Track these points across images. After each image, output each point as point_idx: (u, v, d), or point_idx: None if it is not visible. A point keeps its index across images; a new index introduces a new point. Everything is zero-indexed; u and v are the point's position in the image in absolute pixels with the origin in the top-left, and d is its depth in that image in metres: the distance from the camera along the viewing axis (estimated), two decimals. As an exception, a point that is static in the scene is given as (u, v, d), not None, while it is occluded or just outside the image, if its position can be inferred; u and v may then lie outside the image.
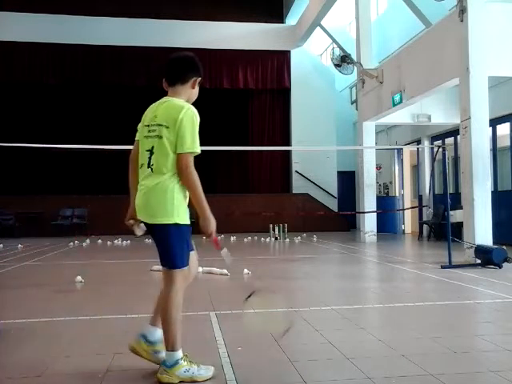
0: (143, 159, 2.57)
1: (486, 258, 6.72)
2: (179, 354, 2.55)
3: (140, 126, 2.70)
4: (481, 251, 6.88)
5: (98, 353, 3.00)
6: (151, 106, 2.69)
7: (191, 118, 2.48)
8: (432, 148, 12.09)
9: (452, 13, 8.13)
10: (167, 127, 2.47)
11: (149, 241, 12.26)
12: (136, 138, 2.71)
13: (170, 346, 2.54)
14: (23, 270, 7.14)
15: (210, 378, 2.55)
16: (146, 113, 2.69)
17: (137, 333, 2.74)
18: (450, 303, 4.51)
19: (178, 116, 2.46)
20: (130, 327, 3.64)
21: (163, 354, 2.63)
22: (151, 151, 2.51)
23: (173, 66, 2.68)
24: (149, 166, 2.53)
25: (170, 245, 2.54)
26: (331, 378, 2.55)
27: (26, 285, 5.75)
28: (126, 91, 16.58)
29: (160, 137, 2.48)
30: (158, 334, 2.70)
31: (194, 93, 2.72)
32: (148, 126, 2.58)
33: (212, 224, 2.52)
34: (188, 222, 2.58)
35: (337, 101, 17.48)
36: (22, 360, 2.90)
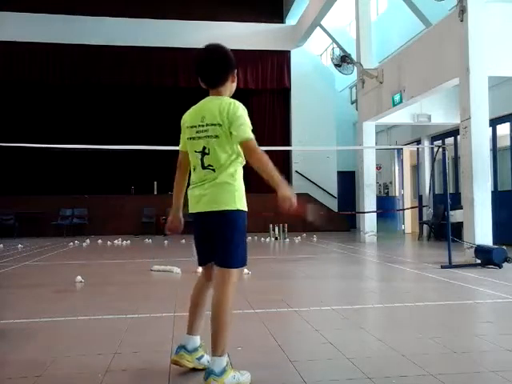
0: (195, 161, 2.52)
1: (486, 258, 6.72)
2: (226, 358, 2.43)
3: (182, 129, 2.62)
4: (481, 251, 6.88)
5: (98, 353, 3.00)
6: (194, 108, 2.61)
7: (241, 109, 2.50)
8: (432, 148, 12.09)
9: (452, 13, 8.13)
10: (216, 125, 2.47)
11: (149, 241, 12.27)
12: (181, 149, 2.65)
13: (221, 351, 2.39)
14: (23, 269, 7.14)
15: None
16: (185, 116, 2.62)
17: (176, 346, 2.69)
18: (450, 303, 4.51)
19: (228, 112, 2.45)
20: (130, 327, 3.65)
21: (206, 357, 2.61)
22: (203, 152, 2.49)
23: (211, 69, 2.58)
24: (205, 168, 2.49)
25: (239, 243, 2.50)
26: (331, 377, 2.55)
27: (26, 285, 5.75)
28: (126, 91, 16.59)
29: (212, 136, 2.47)
30: (197, 341, 2.66)
31: (234, 85, 2.68)
32: (194, 127, 2.52)
33: (292, 193, 2.45)
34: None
35: (337, 101, 17.47)
36: (22, 360, 2.90)
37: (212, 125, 2.47)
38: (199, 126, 2.50)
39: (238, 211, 2.47)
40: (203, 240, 2.60)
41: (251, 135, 2.48)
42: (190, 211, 2.56)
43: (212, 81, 2.58)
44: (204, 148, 2.48)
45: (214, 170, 2.47)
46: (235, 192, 2.48)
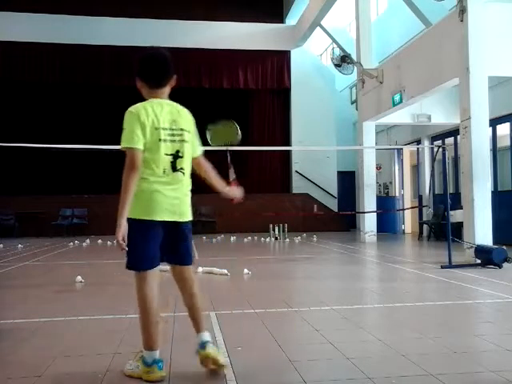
0: (164, 163, 2.51)
1: (486, 258, 6.72)
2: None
3: (148, 128, 2.49)
4: (481, 251, 6.87)
5: (98, 353, 3.00)
6: (155, 107, 2.55)
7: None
8: (432, 148, 12.09)
9: (452, 13, 8.13)
10: (189, 132, 2.62)
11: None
12: (139, 147, 2.47)
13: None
14: (23, 269, 7.14)
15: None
16: (148, 114, 2.51)
17: (196, 348, 2.67)
18: (450, 303, 4.51)
19: (192, 121, 2.67)
20: (130, 327, 3.65)
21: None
22: (176, 155, 2.54)
23: (163, 67, 2.63)
24: (176, 170, 2.55)
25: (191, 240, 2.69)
26: (331, 377, 2.55)
27: (26, 285, 5.75)
28: (126, 91, 16.55)
29: (186, 141, 2.59)
30: (206, 334, 2.70)
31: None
32: (166, 129, 2.53)
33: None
34: None
35: (337, 101, 17.48)
36: (22, 360, 2.90)
37: (186, 131, 2.60)
38: (172, 129, 2.55)
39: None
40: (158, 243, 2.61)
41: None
42: (164, 218, 2.52)
43: (162, 80, 2.63)
44: (178, 151, 2.56)
45: (184, 173, 2.59)
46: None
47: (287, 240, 11.98)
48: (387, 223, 14.14)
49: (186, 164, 2.58)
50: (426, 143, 13.15)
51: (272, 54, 16.93)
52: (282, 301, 4.56)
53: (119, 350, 3.06)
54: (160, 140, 2.49)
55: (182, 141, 2.56)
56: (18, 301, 4.82)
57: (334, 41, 15.32)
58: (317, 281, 6.03)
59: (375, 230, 11.51)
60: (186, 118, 2.63)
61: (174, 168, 2.53)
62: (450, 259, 6.87)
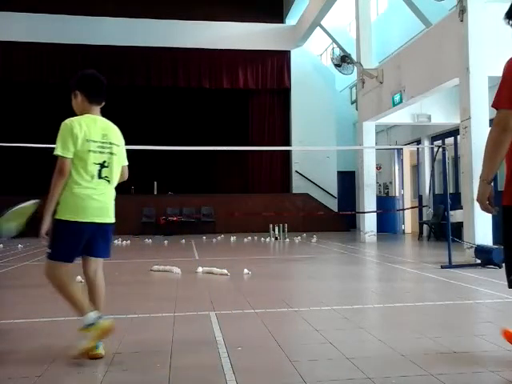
0: (92, 171, 2.85)
1: (486, 258, 6.72)
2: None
3: (79, 140, 2.82)
4: (481, 251, 6.88)
5: (98, 353, 3.00)
6: (88, 121, 2.90)
7: None
8: (432, 148, 12.09)
9: (452, 13, 8.13)
10: (118, 146, 3.00)
11: (149, 241, 12.27)
12: (69, 156, 2.81)
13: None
14: (23, 269, 7.14)
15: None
16: (81, 127, 2.84)
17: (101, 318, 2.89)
18: (450, 303, 4.51)
19: (121, 137, 3.06)
20: (130, 327, 3.65)
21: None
22: (102, 165, 2.90)
23: (104, 87, 3.03)
24: (101, 178, 2.90)
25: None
26: (331, 377, 2.55)
27: (26, 285, 5.74)
28: (126, 91, 16.58)
29: (114, 154, 2.95)
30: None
31: None
32: (96, 142, 2.87)
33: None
34: None
35: (337, 101, 17.47)
36: (22, 360, 2.90)
37: (115, 145, 2.97)
38: (102, 142, 2.90)
39: None
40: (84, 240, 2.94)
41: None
42: (90, 220, 2.84)
43: (102, 98, 3.04)
44: (104, 162, 2.91)
45: (109, 181, 2.94)
46: None
47: (287, 240, 11.98)
48: (387, 223, 14.14)
49: (111, 173, 2.94)
50: (426, 143, 13.15)
51: (272, 54, 16.92)
52: (282, 301, 4.56)
53: (119, 350, 3.06)
54: (90, 151, 2.84)
55: (110, 153, 2.93)
56: (18, 301, 4.82)
57: (334, 41, 15.32)
58: (317, 281, 6.03)
59: (375, 229, 11.50)
60: (115, 134, 3.01)
61: (100, 176, 2.89)
62: (449, 259, 6.88)
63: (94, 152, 2.85)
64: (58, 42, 15.68)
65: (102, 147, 2.89)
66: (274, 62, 17.00)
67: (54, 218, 2.84)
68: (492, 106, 2.44)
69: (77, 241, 2.88)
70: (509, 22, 2.60)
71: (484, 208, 2.45)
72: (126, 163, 3.15)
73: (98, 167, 2.87)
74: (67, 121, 2.86)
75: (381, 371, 2.62)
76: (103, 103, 3.03)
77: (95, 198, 2.85)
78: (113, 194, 3.01)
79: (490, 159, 2.38)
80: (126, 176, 3.19)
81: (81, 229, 2.84)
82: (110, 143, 2.93)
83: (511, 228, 2.49)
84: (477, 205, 7.64)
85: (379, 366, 2.71)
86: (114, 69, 16.02)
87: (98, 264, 3.06)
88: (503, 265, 2.52)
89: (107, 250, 3.05)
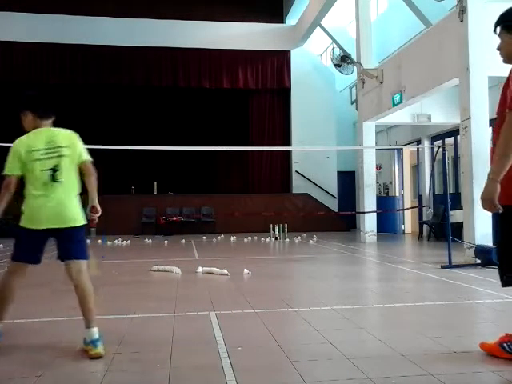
0: (42, 178, 3.00)
1: (486, 258, 6.71)
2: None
3: (22, 153, 3.02)
4: (481, 251, 6.87)
5: (98, 353, 3.00)
6: (32, 135, 3.10)
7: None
8: (432, 148, 12.09)
9: (452, 13, 8.13)
10: (68, 147, 3.09)
11: (149, 241, 12.27)
12: (13, 173, 3.04)
13: (95, 322, 3.04)
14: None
15: None
16: (23, 142, 3.07)
17: (88, 342, 2.96)
18: (449, 303, 4.51)
19: (71, 138, 3.16)
20: (130, 327, 3.65)
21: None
22: (54, 169, 3.03)
23: (49, 103, 3.21)
24: (55, 181, 3.02)
25: (85, 240, 3.20)
26: (331, 377, 2.55)
27: (26, 285, 5.71)
28: (126, 91, 16.59)
29: (65, 155, 3.06)
30: (95, 331, 3.03)
31: None
32: (40, 150, 3.02)
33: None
34: None
35: (337, 101, 17.47)
36: (22, 360, 2.90)
37: (64, 147, 3.08)
38: (48, 148, 3.04)
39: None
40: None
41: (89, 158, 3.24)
42: (46, 226, 3.02)
43: (52, 113, 3.22)
44: (55, 165, 3.03)
45: (63, 182, 3.05)
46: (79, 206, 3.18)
47: (287, 240, 11.98)
48: (387, 223, 14.13)
49: (65, 175, 3.05)
50: (426, 143, 13.15)
51: (272, 54, 16.92)
52: (282, 301, 4.56)
53: (119, 350, 3.06)
54: (35, 160, 3.00)
55: (59, 156, 3.05)
56: (18, 301, 4.81)
57: (334, 41, 15.33)
58: (317, 281, 6.03)
59: (375, 230, 11.50)
60: (64, 137, 3.12)
61: (54, 179, 3.02)
62: (449, 259, 6.88)
63: (40, 160, 3.01)
64: (58, 42, 15.68)
65: (49, 153, 3.03)
66: (273, 62, 17.00)
67: (17, 225, 3.14)
68: (508, 108, 2.51)
69: (33, 243, 3.11)
70: (495, 31, 2.71)
71: (492, 207, 2.48)
72: (86, 158, 3.19)
73: (49, 173, 3.02)
74: (16, 140, 3.13)
75: (381, 371, 2.62)
76: (53, 117, 3.23)
77: (48, 206, 3.00)
78: (72, 194, 3.10)
79: (502, 159, 2.43)
80: (91, 171, 3.22)
81: (36, 234, 3.05)
82: (59, 147, 3.06)
83: (508, 226, 2.51)
84: (477, 205, 7.60)
85: (379, 366, 2.71)
86: (113, 69, 16.03)
87: (77, 267, 3.12)
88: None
89: (78, 250, 3.12)
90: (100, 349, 2.91)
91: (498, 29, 2.75)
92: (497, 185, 2.45)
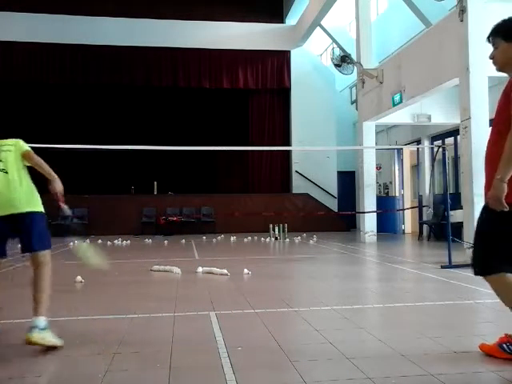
0: None
1: (486, 258, 6.71)
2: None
3: None
4: (481, 251, 6.86)
5: (98, 353, 3.00)
6: None
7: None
8: (432, 148, 12.09)
9: (452, 13, 8.13)
10: (11, 145, 3.42)
11: (149, 241, 12.27)
12: None
13: (46, 312, 3.10)
14: (23, 270, 7.13)
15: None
16: None
17: (28, 329, 3.01)
18: (449, 303, 4.51)
19: (14, 141, 3.47)
20: (130, 327, 3.65)
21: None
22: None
23: None
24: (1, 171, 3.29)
25: (44, 228, 3.33)
26: (331, 377, 2.55)
27: (26, 285, 5.72)
28: (126, 91, 16.60)
29: (8, 150, 3.37)
30: (40, 319, 3.07)
31: None
32: None
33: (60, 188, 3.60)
34: None
35: (337, 101, 17.47)
36: (22, 360, 2.90)
37: (9, 144, 3.40)
38: None
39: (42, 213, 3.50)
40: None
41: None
42: None
43: None
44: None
45: (6, 172, 3.29)
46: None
47: (287, 240, 11.98)
48: (387, 223, 14.14)
49: (8, 166, 3.28)
50: (426, 143, 13.15)
51: (272, 53, 16.92)
52: (282, 301, 4.56)
53: (119, 350, 3.06)
54: None
55: (3, 151, 3.34)
56: (18, 301, 4.81)
57: (334, 41, 15.33)
58: (317, 281, 6.03)
59: (375, 230, 11.50)
60: (9, 141, 3.46)
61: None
62: (449, 259, 6.88)
63: None
64: (58, 42, 15.68)
65: None
66: (273, 62, 17.00)
67: None
68: None
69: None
70: (489, 40, 2.75)
71: (500, 206, 2.57)
72: (26, 148, 3.46)
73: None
74: None
75: (381, 371, 2.62)
76: None
77: None
78: (15, 182, 3.28)
79: (510, 161, 2.53)
80: (35, 158, 3.46)
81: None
82: (5, 145, 3.40)
83: (491, 218, 2.67)
84: (477, 205, 7.57)
85: (379, 366, 2.71)
86: (114, 69, 16.04)
87: (35, 260, 3.22)
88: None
89: (38, 242, 3.23)
90: (30, 335, 2.98)
91: (493, 38, 2.78)
92: (504, 185, 2.55)
